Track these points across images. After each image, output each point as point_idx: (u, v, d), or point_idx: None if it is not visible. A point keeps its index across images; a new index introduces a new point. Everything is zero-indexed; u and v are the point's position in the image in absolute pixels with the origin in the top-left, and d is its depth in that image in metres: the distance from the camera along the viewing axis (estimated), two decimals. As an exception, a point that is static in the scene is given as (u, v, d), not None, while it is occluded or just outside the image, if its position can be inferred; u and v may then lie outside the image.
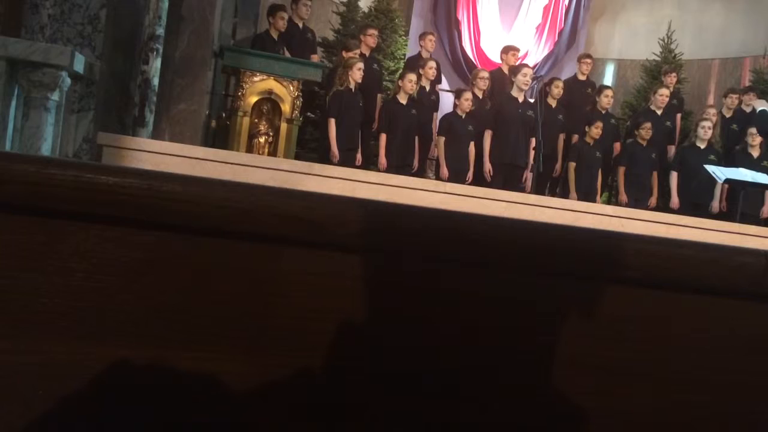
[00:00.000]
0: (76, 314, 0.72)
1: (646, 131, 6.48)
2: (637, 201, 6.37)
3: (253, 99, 5.81)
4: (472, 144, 6.28)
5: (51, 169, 0.70)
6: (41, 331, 0.72)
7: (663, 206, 6.48)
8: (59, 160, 0.72)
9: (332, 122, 5.91)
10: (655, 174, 6.56)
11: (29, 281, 0.71)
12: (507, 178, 6.28)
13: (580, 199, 6.12)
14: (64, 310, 0.72)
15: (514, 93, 6.40)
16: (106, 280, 0.73)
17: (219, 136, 6.10)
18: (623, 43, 9.20)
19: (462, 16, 8.94)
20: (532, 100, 6.47)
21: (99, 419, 0.74)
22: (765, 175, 5.83)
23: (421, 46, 7.10)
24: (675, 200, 6.46)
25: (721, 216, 6.09)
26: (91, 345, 0.73)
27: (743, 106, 6.90)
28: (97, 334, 0.73)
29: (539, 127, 5.81)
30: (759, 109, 6.13)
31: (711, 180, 6.02)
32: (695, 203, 6.37)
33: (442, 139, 6.25)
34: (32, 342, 0.72)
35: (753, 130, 6.29)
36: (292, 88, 5.86)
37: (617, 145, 6.88)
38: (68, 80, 4.12)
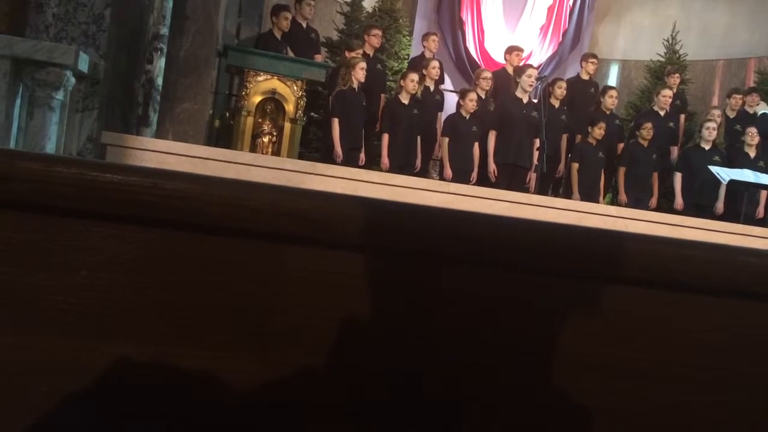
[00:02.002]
0: (79, 311, 0.73)
1: (647, 131, 6.47)
2: (638, 201, 6.37)
3: (257, 99, 5.82)
4: (476, 144, 6.28)
5: (55, 167, 0.70)
6: (44, 328, 0.72)
7: (667, 207, 6.47)
8: (63, 158, 0.72)
9: (335, 122, 5.92)
10: (655, 175, 6.56)
11: (32, 278, 0.72)
12: (511, 179, 6.28)
13: (583, 199, 6.12)
14: (67, 308, 0.72)
15: (519, 94, 6.40)
16: (110, 278, 0.73)
17: (222, 136, 6.12)
18: (627, 44, 9.19)
19: (466, 16, 8.94)
20: (536, 101, 6.47)
21: (101, 417, 0.74)
22: (767, 175, 5.83)
23: (424, 46, 7.11)
24: (679, 201, 6.45)
25: (722, 216, 6.08)
26: (93, 342, 0.73)
27: (746, 107, 6.89)
28: (99, 332, 0.73)
29: (543, 128, 5.81)
30: (760, 112, 6.13)
31: (715, 181, 6.01)
32: (699, 204, 6.36)
33: (446, 140, 6.24)
34: (35, 339, 0.72)
35: (752, 129, 6.29)
36: (295, 87, 5.87)
37: (620, 146, 6.87)
38: (72, 79, 4.13)
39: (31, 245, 0.72)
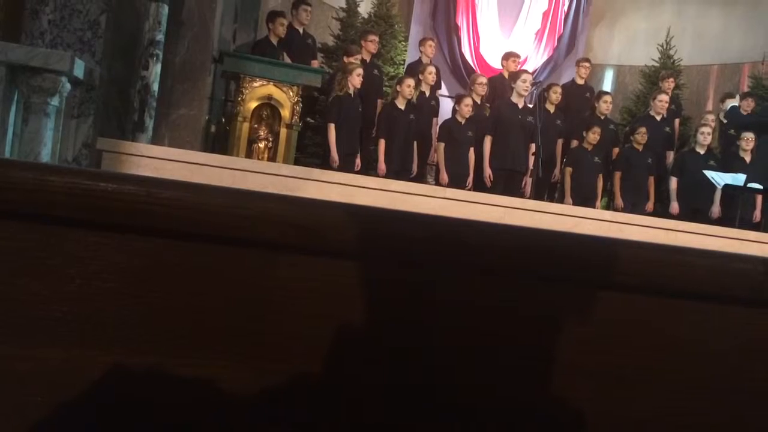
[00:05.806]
0: (74, 321, 0.72)
1: (641, 136, 6.51)
2: (634, 206, 6.39)
3: (253, 104, 5.82)
4: (471, 150, 6.29)
5: (49, 176, 0.70)
6: (38, 337, 0.72)
7: (662, 211, 6.49)
8: (57, 167, 0.72)
9: (332, 127, 5.92)
10: (651, 179, 6.58)
11: (27, 288, 0.71)
12: (507, 184, 6.29)
13: (578, 204, 6.13)
14: (62, 317, 0.72)
15: (514, 99, 6.42)
16: (104, 287, 0.73)
17: (218, 142, 6.11)
18: (622, 49, 9.22)
19: (461, 21, 8.96)
20: (531, 106, 6.50)
21: (97, 426, 0.74)
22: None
23: (421, 51, 7.12)
24: (675, 206, 6.47)
25: (718, 221, 6.10)
26: (88, 352, 0.73)
27: (740, 111, 6.91)
28: (94, 341, 0.73)
29: (538, 133, 5.82)
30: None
31: (710, 185, 6.03)
32: (695, 208, 6.39)
33: (442, 145, 6.25)
34: (29, 348, 0.72)
35: (749, 134, 6.32)
36: (291, 93, 5.87)
37: (616, 151, 6.89)
38: (68, 85, 4.13)
39: (25, 254, 0.71)
